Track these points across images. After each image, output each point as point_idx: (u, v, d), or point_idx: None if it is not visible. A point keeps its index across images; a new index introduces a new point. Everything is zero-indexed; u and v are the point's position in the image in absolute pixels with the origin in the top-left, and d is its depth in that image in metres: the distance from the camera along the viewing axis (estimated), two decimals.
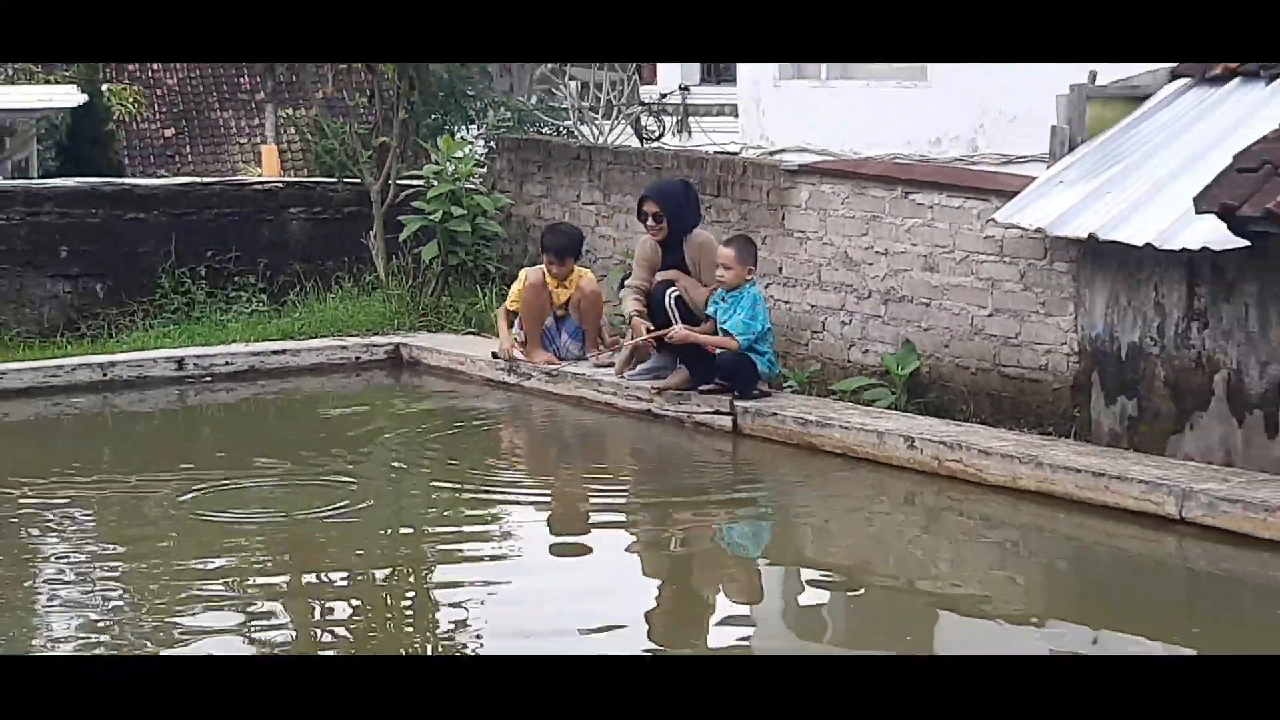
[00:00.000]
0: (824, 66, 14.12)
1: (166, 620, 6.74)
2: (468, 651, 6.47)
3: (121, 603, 7.08)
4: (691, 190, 10.66)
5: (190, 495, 8.55)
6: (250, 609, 6.96)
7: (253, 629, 6.69)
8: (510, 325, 11.30)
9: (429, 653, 6.50)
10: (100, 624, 6.75)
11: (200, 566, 7.46)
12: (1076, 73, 9.59)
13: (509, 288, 11.59)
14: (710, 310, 9.92)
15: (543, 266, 11.22)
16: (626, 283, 10.55)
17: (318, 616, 6.96)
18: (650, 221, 10.38)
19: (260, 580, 7.39)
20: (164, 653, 6.33)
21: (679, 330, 9.97)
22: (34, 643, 6.54)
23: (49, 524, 8.30)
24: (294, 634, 6.73)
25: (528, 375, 11.09)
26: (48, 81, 28.95)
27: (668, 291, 10.10)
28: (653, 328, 10.21)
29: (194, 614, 6.81)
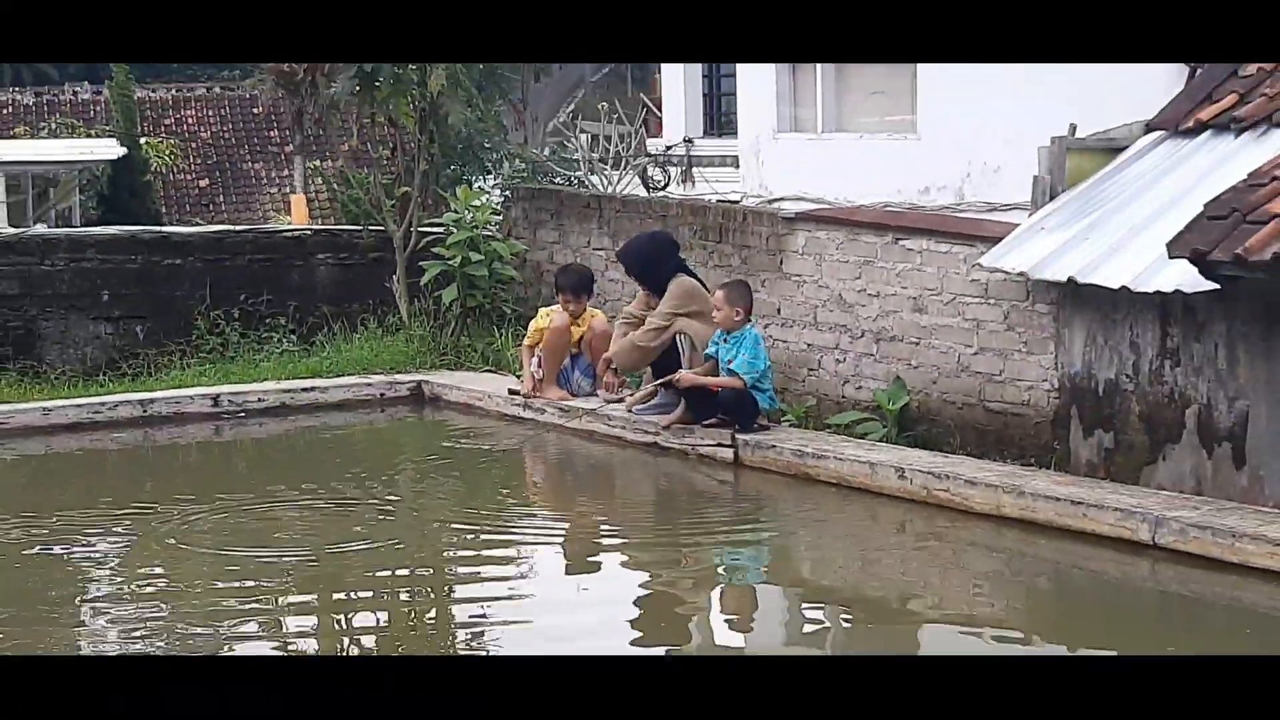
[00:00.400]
0: (820, 120, 14.18)
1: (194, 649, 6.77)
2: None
3: (155, 626, 7.12)
4: (659, 243, 10.84)
5: (221, 525, 8.63)
6: (276, 640, 6.96)
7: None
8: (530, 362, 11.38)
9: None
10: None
11: (230, 593, 7.49)
12: (1058, 125, 9.68)
13: (524, 328, 11.68)
14: (711, 350, 10.00)
15: (559, 307, 11.30)
16: (624, 309, 10.95)
17: (343, 646, 6.98)
18: None
19: (287, 609, 7.41)
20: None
21: (686, 375, 10.04)
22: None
23: (88, 552, 8.37)
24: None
25: (542, 410, 11.17)
26: (89, 136, 29.17)
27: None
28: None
29: (222, 643, 6.83)
